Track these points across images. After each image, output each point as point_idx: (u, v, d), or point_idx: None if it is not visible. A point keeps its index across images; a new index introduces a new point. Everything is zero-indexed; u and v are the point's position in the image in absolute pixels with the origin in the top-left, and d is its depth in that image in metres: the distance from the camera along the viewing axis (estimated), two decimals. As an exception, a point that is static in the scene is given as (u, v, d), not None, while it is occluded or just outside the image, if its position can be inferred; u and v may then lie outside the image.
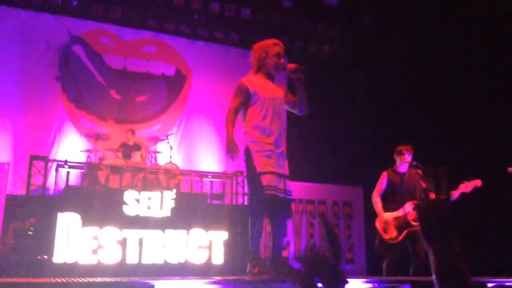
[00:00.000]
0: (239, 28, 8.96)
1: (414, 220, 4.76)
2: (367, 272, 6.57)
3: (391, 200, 4.94)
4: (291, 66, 3.66)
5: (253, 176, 3.48)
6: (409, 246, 4.79)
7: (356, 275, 5.95)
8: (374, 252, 5.04)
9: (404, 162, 4.97)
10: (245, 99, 3.63)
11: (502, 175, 5.11)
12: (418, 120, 7.61)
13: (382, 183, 5.04)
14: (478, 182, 4.60)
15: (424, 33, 7.82)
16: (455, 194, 4.58)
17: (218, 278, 3.50)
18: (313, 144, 8.51)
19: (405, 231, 4.76)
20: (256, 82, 3.70)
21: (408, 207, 4.81)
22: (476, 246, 5.92)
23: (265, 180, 3.45)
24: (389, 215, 4.83)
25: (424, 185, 4.87)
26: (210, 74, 9.07)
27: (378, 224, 4.92)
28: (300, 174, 8.03)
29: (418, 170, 4.92)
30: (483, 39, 6.94)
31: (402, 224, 4.80)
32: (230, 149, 3.44)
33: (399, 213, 4.83)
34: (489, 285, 3.50)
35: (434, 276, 1.56)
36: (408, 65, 8.04)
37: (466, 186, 4.57)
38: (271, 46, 3.74)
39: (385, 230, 4.84)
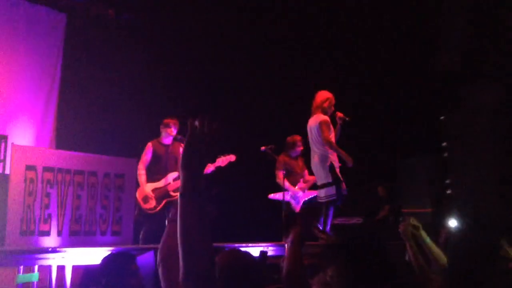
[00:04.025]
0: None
1: (173, 191, 4.95)
2: (133, 242, 6.63)
3: (154, 171, 5.03)
4: (340, 114, 5.46)
5: (339, 182, 5.35)
6: (167, 215, 4.97)
7: (122, 245, 5.91)
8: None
9: (169, 134, 5.10)
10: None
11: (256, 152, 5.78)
12: (196, 93, 7.90)
13: (147, 153, 5.09)
14: (232, 157, 5.04)
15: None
16: (210, 168, 4.92)
17: None
18: (87, 112, 8.04)
19: (164, 201, 4.92)
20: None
21: (170, 178, 4.97)
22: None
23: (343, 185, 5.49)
24: (149, 187, 4.91)
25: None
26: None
27: (138, 195, 4.97)
28: (70, 143, 7.50)
29: (181, 144, 5.11)
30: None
31: (162, 194, 4.94)
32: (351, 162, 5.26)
33: (160, 183, 4.95)
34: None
35: None
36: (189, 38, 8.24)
37: (222, 161, 4.96)
38: (332, 99, 5.48)
39: (144, 200, 4.90)
